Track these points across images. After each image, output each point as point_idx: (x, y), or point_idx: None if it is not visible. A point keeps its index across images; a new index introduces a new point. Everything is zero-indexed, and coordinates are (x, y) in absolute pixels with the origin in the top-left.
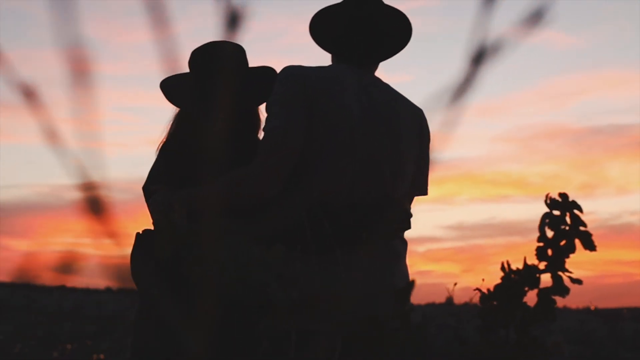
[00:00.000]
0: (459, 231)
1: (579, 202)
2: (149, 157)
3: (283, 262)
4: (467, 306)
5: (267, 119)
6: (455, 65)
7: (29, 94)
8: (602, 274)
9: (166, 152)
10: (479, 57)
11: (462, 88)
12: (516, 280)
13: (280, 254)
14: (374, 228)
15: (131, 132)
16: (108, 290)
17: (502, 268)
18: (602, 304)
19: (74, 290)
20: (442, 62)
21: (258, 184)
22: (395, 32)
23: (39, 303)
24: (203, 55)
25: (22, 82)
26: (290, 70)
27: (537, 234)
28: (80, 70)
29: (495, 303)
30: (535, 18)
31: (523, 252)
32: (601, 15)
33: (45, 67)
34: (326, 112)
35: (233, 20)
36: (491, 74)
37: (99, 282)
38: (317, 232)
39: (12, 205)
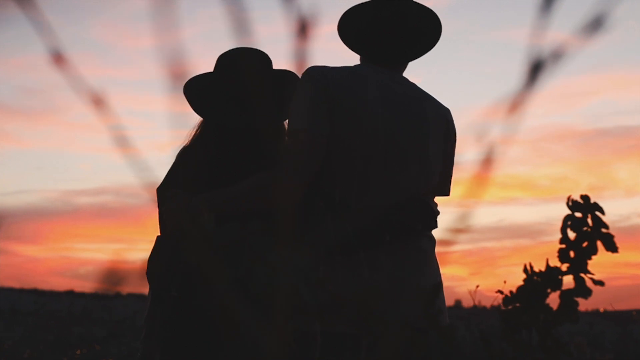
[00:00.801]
0: (467, 234)
1: None
2: (159, 162)
3: (310, 264)
4: (475, 309)
5: (289, 121)
6: (461, 66)
7: (98, 101)
8: (611, 276)
9: (188, 157)
10: (537, 66)
11: (521, 96)
12: (538, 282)
13: (308, 256)
14: (398, 228)
15: (141, 137)
16: (117, 294)
17: (525, 270)
18: (612, 306)
19: (83, 295)
20: (448, 63)
21: (283, 187)
22: (424, 32)
23: (48, 308)
24: (236, 62)
25: (91, 90)
26: (311, 70)
27: (545, 236)
28: (176, 76)
29: (517, 305)
30: (595, 25)
31: (532, 254)
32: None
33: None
34: (349, 111)
35: (303, 28)
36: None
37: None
38: (341, 234)
39: (21, 210)
